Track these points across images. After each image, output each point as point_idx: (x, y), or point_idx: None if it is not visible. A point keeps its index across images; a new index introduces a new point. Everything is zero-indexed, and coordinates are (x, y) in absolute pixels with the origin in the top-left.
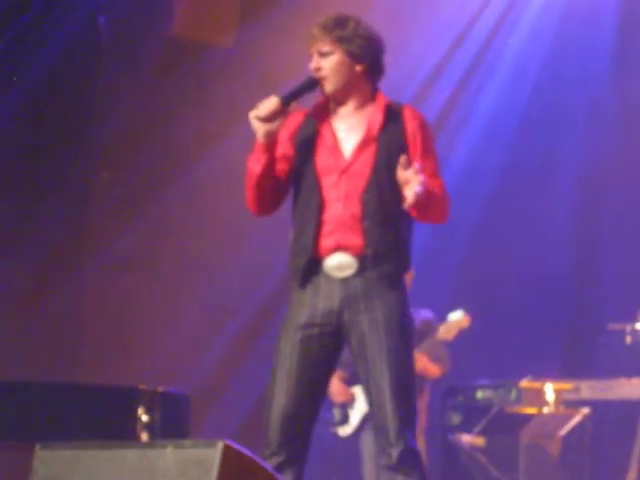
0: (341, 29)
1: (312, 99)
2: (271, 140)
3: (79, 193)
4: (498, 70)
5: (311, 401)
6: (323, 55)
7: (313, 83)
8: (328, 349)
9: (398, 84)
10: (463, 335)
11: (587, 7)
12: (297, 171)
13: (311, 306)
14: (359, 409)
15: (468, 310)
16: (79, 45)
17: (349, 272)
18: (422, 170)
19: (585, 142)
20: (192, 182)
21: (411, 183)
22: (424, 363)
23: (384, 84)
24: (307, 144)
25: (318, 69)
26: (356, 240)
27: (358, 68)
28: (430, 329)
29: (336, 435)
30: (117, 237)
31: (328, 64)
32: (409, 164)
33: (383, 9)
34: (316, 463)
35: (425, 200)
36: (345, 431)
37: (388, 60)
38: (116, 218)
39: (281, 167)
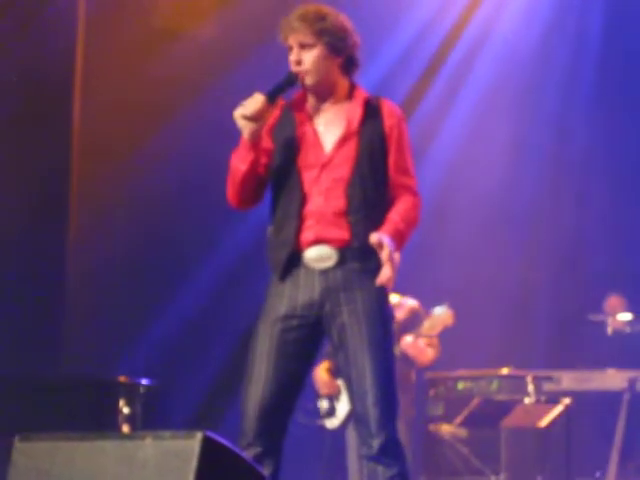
0: (322, 21)
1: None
2: (257, 138)
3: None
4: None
5: (289, 393)
6: (304, 47)
7: (294, 78)
8: (307, 341)
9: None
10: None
11: None
12: (277, 166)
13: (291, 298)
14: (345, 401)
15: (450, 300)
16: (58, 32)
17: (329, 264)
18: (396, 167)
19: None
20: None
21: (384, 267)
22: (420, 348)
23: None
24: (286, 139)
25: (299, 62)
26: (339, 233)
27: (337, 62)
28: (416, 319)
29: (322, 427)
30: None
31: (310, 57)
32: (380, 246)
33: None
34: (301, 455)
35: (398, 245)
36: (332, 423)
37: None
38: (98, 214)
39: (261, 161)
